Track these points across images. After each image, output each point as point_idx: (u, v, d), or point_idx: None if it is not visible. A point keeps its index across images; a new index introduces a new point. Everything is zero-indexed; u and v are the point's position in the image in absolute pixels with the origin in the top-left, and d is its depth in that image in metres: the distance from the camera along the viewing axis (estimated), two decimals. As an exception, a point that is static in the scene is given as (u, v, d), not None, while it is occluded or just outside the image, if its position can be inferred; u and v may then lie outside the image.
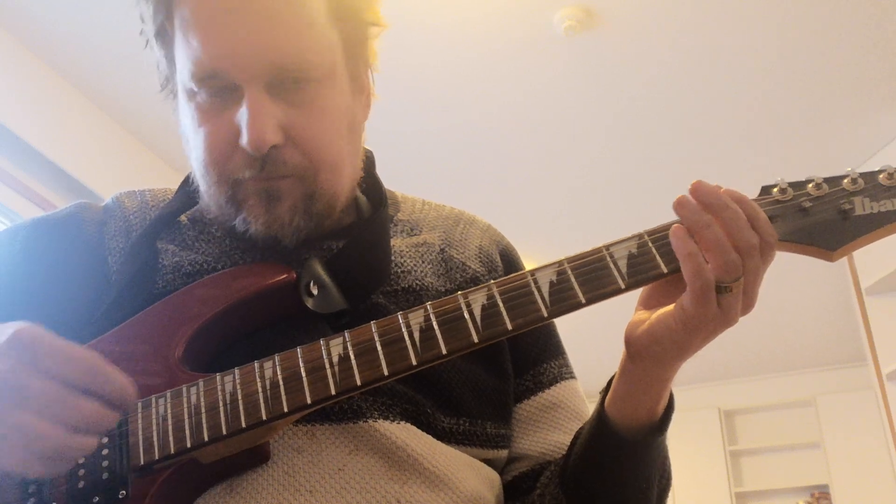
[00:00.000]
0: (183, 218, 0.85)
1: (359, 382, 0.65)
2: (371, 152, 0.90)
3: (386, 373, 0.65)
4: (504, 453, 0.83)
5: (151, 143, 3.51)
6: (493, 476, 0.81)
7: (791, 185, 0.69)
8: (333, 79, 0.78)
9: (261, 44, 0.73)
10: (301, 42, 0.75)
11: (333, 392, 0.64)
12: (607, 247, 0.68)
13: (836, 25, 2.83)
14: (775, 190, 0.70)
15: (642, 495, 0.77)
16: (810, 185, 0.69)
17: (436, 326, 0.66)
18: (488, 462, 0.81)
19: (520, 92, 3.19)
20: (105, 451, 0.64)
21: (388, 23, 0.83)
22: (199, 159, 0.78)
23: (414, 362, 0.65)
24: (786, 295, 4.72)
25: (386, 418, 0.73)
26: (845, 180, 0.68)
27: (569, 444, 0.82)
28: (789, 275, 4.52)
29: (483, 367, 0.81)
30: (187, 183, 0.87)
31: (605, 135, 3.47)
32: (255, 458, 0.68)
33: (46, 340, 0.59)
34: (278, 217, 0.76)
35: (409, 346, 0.65)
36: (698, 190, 0.65)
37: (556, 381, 0.88)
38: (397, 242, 0.86)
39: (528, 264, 0.78)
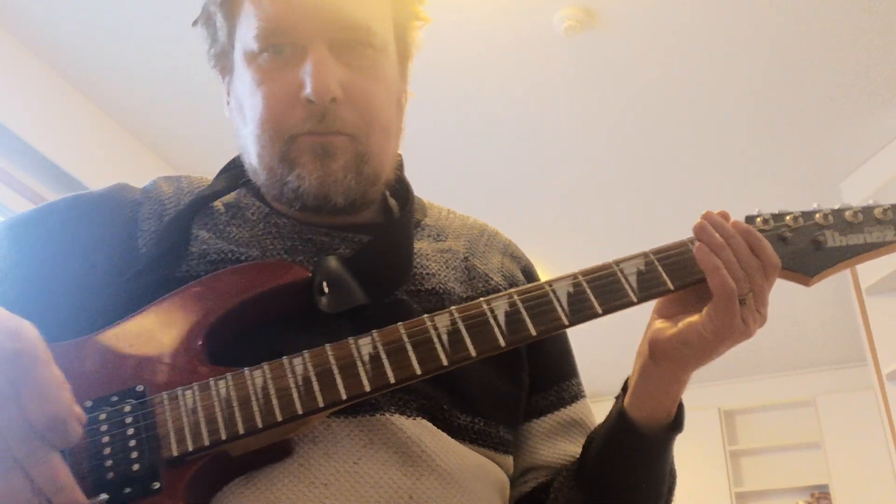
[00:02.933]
0: (218, 204, 0.86)
1: (392, 380, 0.67)
2: (400, 155, 0.92)
3: (419, 371, 0.67)
4: (510, 460, 0.84)
5: (151, 144, 3.51)
6: (503, 480, 0.82)
7: (773, 216, 0.79)
8: (387, 52, 0.84)
9: (330, 2, 0.78)
10: (366, 8, 0.81)
11: (368, 388, 0.66)
12: (617, 263, 0.74)
13: (836, 26, 2.83)
14: (759, 220, 0.79)
15: (656, 491, 0.82)
16: (788, 218, 0.79)
17: (463, 329, 0.69)
18: (497, 467, 0.82)
19: (520, 92, 3.19)
20: (132, 443, 0.63)
21: (431, 18, 0.90)
22: (256, 119, 0.80)
23: (445, 363, 0.68)
24: (786, 295, 4.70)
25: (402, 413, 0.73)
26: (817, 215, 0.79)
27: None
28: (789, 275, 4.53)
29: (497, 373, 0.83)
30: (225, 170, 0.91)
31: (604, 135, 3.47)
32: (281, 451, 0.68)
33: (37, 370, 0.57)
34: (332, 173, 0.78)
35: (439, 347, 0.68)
36: (710, 218, 0.75)
37: (577, 399, 0.92)
38: (423, 246, 0.87)
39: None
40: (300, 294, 0.75)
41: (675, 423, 0.79)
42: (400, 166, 0.91)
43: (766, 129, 3.41)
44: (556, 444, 0.88)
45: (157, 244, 0.79)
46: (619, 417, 0.79)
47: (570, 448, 0.88)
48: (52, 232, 0.81)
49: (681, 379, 0.77)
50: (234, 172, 0.90)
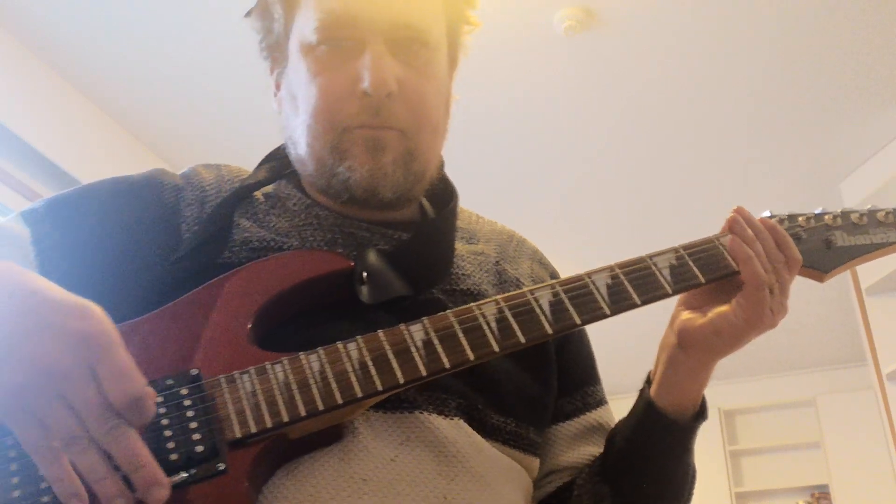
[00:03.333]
0: (258, 194, 0.87)
1: (448, 365, 0.68)
2: (441, 156, 0.94)
3: (472, 357, 0.69)
4: (536, 462, 0.86)
5: (151, 143, 3.51)
6: (529, 483, 0.84)
7: (787, 217, 0.85)
8: (440, 53, 0.87)
9: (388, 1, 0.81)
10: (423, 9, 0.84)
11: (424, 373, 0.67)
12: (650, 257, 0.78)
13: (837, 26, 2.83)
14: (774, 220, 0.85)
15: (681, 481, 0.85)
16: (801, 219, 0.86)
17: (510, 317, 0.71)
18: (526, 468, 0.83)
19: (520, 92, 3.19)
20: (193, 425, 0.63)
21: (480, 23, 0.93)
22: (310, 109, 0.81)
23: (497, 349, 0.69)
24: (786, 295, 4.72)
25: (440, 413, 0.75)
26: (826, 217, 0.86)
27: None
28: (789, 275, 4.53)
29: (529, 376, 0.84)
30: (266, 161, 0.92)
31: (604, 135, 3.47)
32: (334, 435, 0.69)
33: (112, 350, 0.57)
34: (382, 167, 0.80)
35: (489, 334, 0.70)
36: (742, 213, 0.81)
37: (601, 405, 0.94)
38: (458, 247, 0.89)
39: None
40: (341, 284, 0.76)
41: (701, 411, 0.83)
42: (441, 166, 0.93)
43: (766, 129, 3.41)
44: (580, 447, 0.90)
45: (202, 231, 0.80)
46: (646, 407, 0.82)
47: (593, 450, 0.90)
48: (94, 212, 0.82)
49: (709, 367, 0.80)
50: (275, 163, 0.91)
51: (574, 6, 2.74)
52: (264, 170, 0.91)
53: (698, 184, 3.79)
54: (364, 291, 0.76)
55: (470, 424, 0.76)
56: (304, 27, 0.82)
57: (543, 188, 3.82)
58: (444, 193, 0.93)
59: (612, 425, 0.92)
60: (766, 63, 3.02)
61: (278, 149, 0.92)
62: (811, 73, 3.07)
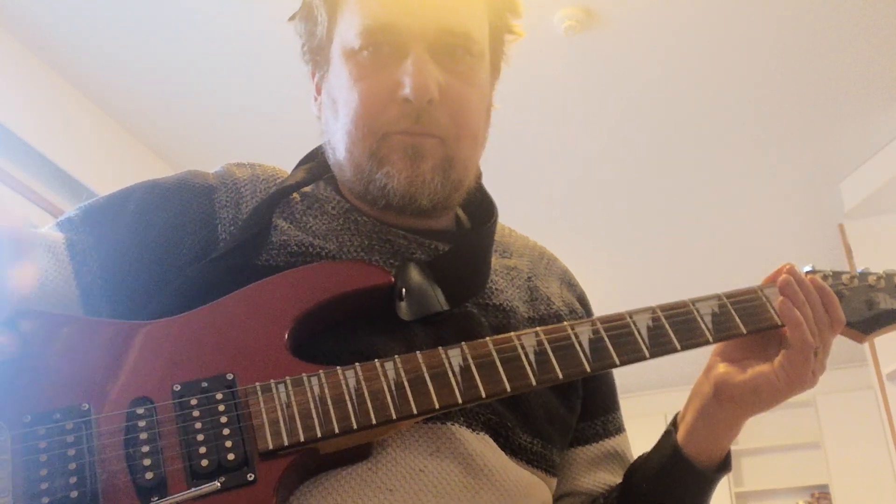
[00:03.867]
0: (295, 195, 0.87)
1: (484, 395, 0.68)
2: (479, 166, 0.94)
3: (509, 389, 0.68)
4: (555, 482, 0.86)
5: (151, 143, 3.51)
6: (549, 502, 0.83)
7: (832, 273, 0.85)
8: (484, 61, 0.86)
9: (433, 5, 0.80)
10: (467, 15, 0.82)
11: (460, 401, 0.67)
12: (693, 302, 0.78)
13: (837, 26, 2.83)
14: (818, 276, 0.85)
15: None
16: (845, 277, 0.85)
17: (549, 351, 0.71)
18: (548, 489, 0.83)
19: (519, 92, 3.18)
20: (226, 432, 0.63)
21: (523, 33, 0.93)
22: (350, 114, 0.81)
23: (534, 382, 0.69)
24: (786, 295, 4.71)
25: (468, 426, 0.74)
26: (870, 278, 0.86)
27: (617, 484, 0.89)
28: (789, 275, 4.53)
29: (557, 398, 0.84)
30: (304, 162, 0.92)
31: (604, 135, 3.47)
32: (364, 453, 0.69)
33: None
34: (421, 174, 0.79)
35: (527, 366, 0.70)
36: (794, 275, 0.80)
37: (620, 432, 0.94)
38: (493, 260, 0.89)
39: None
40: (380, 297, 0.76)
41: (725, 463, 0.82)
42: (479, 177, 0.93)
43: (766, 129, 3.41)
44: (597, 473, 0.90)
45: (240, 232, 0.80)
46: (673, 453, 0.81)
47: (609, 478, 0.90)
48: (128, 217, 0.82)
49: (741, 422, 0.80)
50: (313, 165, 0.91)
51: (574, 6, 2.74)
52: (303, 171, 0.90)
53: (698, 184, 3.79)
54: (403, 308, 0.76)
55: (497, 441, 0.76)
56: (348, 32, 0.82)
57: (543, 188, 3.82)
58: (481, 205, 0.93)
59: (629, 453, 0.93)
60: (766, 63, 3.02)
61: (317, 150, 0.91)
62: (811, 74, 3.07)
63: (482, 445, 0.74)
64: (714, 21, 2.82)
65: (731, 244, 4.20)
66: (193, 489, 0.59)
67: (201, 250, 0.79)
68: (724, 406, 0.79)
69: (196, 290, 0.74)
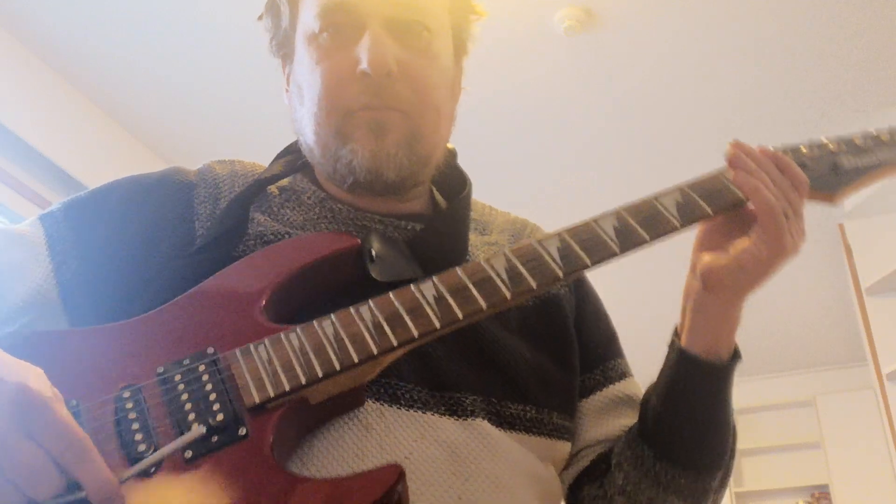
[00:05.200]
0: (272, 188, 0.88)
1: (461, 316, 0.68)
2: (453, 147, 0.94)
3: (484, 306, 0.68)
4: (567, 447, 0.85)
5: (151, 143, 3.51)
6: (550, 490, 0.83)
7: (789, 149, 0.84)
8: (442, 36, 0.87)
9: None
10: None
11: (438, 326, 0.67)
12: (656, 198, 0.79)
13: (837, 26, 2.83)
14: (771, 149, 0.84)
15: (724, 431, 0.82)
16: (803, 148, 0.85)
17: (520, 266, 0.71)
18: (551, 457, 0.83)
19: (520, 92, 3.19)
20: (212, 397, 0.63)
21: (485, 12, 0.94)
22: (314, 96, 0.82)
23: (508, 296, 0.69)
24: (786, 295, 4.72)
25: (453, 414, 0.74)
26: (830, 145, 0.85)
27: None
28: (790, 275, 4.52)
29: (551, 360, 0.84)
30: (281, 156, 0.93)
31: (604, 135, 3.47)
32: (354, 400, 0.70)
33: (48, 408, 0.56)
34: (384, 148, 0.80)
35: (500, 284, 0.70)
36: (740, 146, 0.80)
37: (625, 377, 0.93)
38: (471, 238, 0.89)
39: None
40: (351, 263, 0.77)
41: (735, 354, 0.81)
42: (453, 156, 0.94)
43: (765, 129, 3.41)
44: (608, 420, 0.89)
45: (218, 224, 0.81)
46: (679, 357, 0.80)
47: (624, 422, 0.89)
48: (109, 212, 0.83)
49: (737, 305, 0.79)
50: (291, 158, 0.92)
51: (574, 6, 2.74)
52: (280, 164, 0.91)
53: (698, 184, 3.79)
54: (375, 270, 0.76)
55: (488, 419, 0.76)
56: (307, 16, 0.84)
57: (543, 188, 3.81)
58: (457, 185, 0.94)
59: (639, 396, 0.90)
60: (765, 63, 3.02)
61: (295, 143, 0.92)
62: (811, 73, 3.07)
63: (467, 433, 0.74)
64: (714, 21, 2.82)
65: (731, 244, 4.20)
66: (180, 439, 0.60)
67: (179, 246, 0.80)
68: (717, 293, 0.78)
69: (178, 286, 0.74)
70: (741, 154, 0.79)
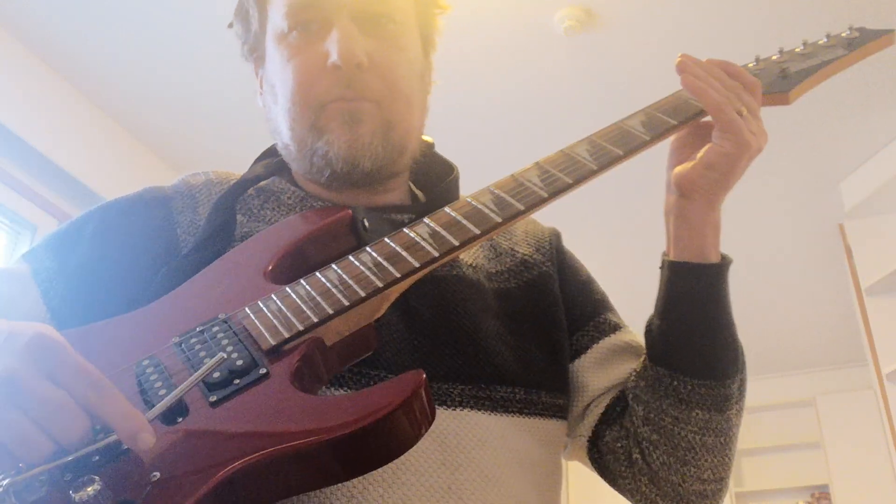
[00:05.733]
0: (251, 191, 0.89)
1: (457, 243, 0.70)
2: (431, 140, 0.96)
3: (478, 231, 0.71)
4: (563, 425, 0.86)
5: (151, 143, 3.51)
6: (545, 476, 0.83)
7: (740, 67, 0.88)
8: (408, 28, 0.88)
9: None
10: None
11: (437, 254, 0.70)
12: (621, 121, 0.83)
13: (836, 26, 2.83)
14: None
15: (732, 337, 0.83)
16: (749, 64, 0.93)
17: (506, 196, 0.74)
18: (547, 437, 0.83)
19: (519, 92, 3.19)
20: (229, 348, 0.65)
21: (448, 6, 0.96)
22: (287, 93, 0.84)
23: (500, 220, 0.72)
24: (786, 295, 4.72)
25: (443, 404, 0.75)
26: (772, 56, 0.94)
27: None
28: (789, 275, 4.53)
29: (535, 346, 0.85)
30: (261, 158, 0.95)
31: (605, 135, 3.47)
32: (366, 345, 0.72)
33: (64, 350, 0.57)
34: (359, 137, 0.81)
35: (490, 213, 0.73)
36: (686, 57, 0.83)
37: (619, 328, 0.94)
38: None
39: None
40: (347, 234, 0.79)
41: (724, 258, 0.84)
42: (430, 148, 0.95)
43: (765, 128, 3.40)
44: (611, 367, 0.90)
45: (207, 224, 0.82)
46: (671, 270, 0.83)
47: (627, 366, 0.90)
48: (88, 238, 0.84)
49: (715, 206, 0.82)
50: (270, 160, 0.93)
51: (574, 6, 2.74)
52: (261, 166, 0.92)
53: (698, 184, 3.79)
54: (369, 239, 0.77)
55: (480, 407, 0.76)
56: (276, 17, 0.85)
57: (543, 188, 3.81)
58: (439, 171, 0.95)
59: (637, 342, 0.92)
60: (766, 63, 3.02)
61: (273, 146, 0.94)
62: (811, 73, 3.07)
63: (457, 423, 0.75)
64: (714, 21, 2.82)
65: (730, 244, 4.19)
66: (203, 367, 0.61)
67: (164, 255, 0.81)
68: (693, 197, 0.82)
69: (171, 288, 0.76)
70: (688, 61, 0.83)
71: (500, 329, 0.83)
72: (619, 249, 4.34)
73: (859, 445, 5.33)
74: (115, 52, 2.96)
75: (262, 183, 0.90)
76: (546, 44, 2.91)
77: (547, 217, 1.04)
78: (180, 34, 2.86)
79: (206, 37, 2.86)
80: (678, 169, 0.84)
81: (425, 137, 0.94)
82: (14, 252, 3.02)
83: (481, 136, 3.40)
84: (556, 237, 1.00)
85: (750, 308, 4.70)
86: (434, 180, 0.95)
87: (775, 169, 3.67)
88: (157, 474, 0.56)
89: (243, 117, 3.27)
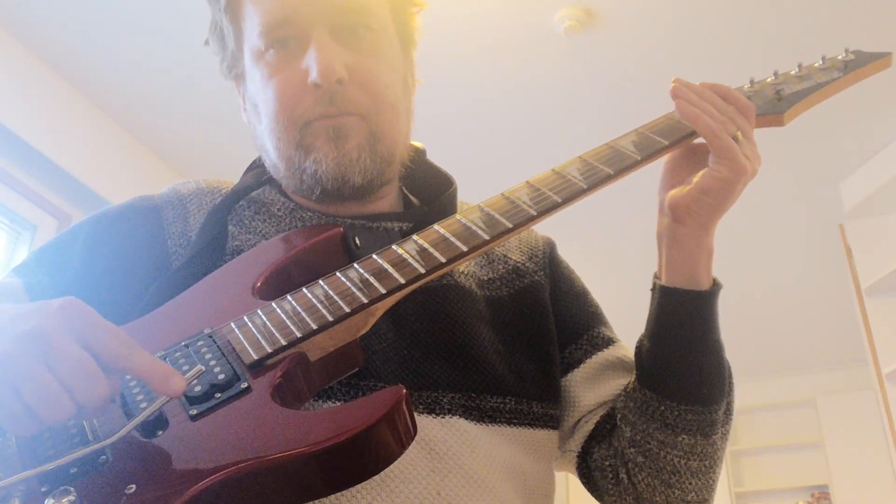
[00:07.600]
0: (242, 202, 0.89)
1: (444, 260, 0.70)
2: (422, 145, 0.95)
3: (465, 249, 0.71)
4: (554, 434, 0.86)
5: (151, 144, 3.51)
6: (534, 484, 0.83)
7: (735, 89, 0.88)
8: (387, 34, 0.87)
9: None
10: None
11: (423, 271, 0.69)
12: (613, 141, 0.83)
13: (837, 26, 2.83)
14: None
15: (720, 362, 0.82)
16: (745, 87, 0.92)
17: (496, 215, 0.74)
18: (537, 447, 0.83)
19: (519, 92, 3.19)
20: (213, 362, 0.65)
21: (426, 4, 0.95)
22: (270, 112, 0.83)
23: (488, 237, 0.72)
24: (786, 295, 4.72)
25: (431, 412, 0.75)
26: (767, 79, 0.93)
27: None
28: (789, 275, 4.53)
29: (526, 356, 0.85)
30: (250, 169, 0.94)
31: (604, 135, 3.46)
32: (353, 360, 0.72)
33: (94, 313, 0.59)
34: (347, 153, 0.81)
35: (478, 230, 0.73)
36: (679, 81, 0.84)
37: (613, 343, 0.93)
38: None
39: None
40: (337, 251, 0.78)
41: (715, 283, 0.83)
42: (421, 154, 0.94)
43: (764, 129, 3.40)
44: (603, 383, 0.89)
45: (199, 237, 0.82)
46: (662, 294, 0.82)
47: (619, 382, 0.89)
48: (80, 250, 0.84)
49: (709, 231, 0.81)
50: (260, 170, 0.92)
51: (574, 6, 2.74)
52: (251, 176, 0.92)
53: (698, 184, 3.79)
54: (359, 252, 0.77)
55: (468, 416, 0.76)
56: (251, 35, 0.84)
57: (543, 188, 3.81)
58: (433, 181, 0.95)
59: (629, 358, 0.91)
60: (765, 63, 3.02)
61: (260, 157, 0.93)
62: (811, 73, 3.07)
63: (445, 430, 0.74)
64: (714, 21, 2.82)
65: (730, 244, 4.20)
66: (188, 374, 0.61)
67: (155, 268, 0.81)
68: (686, 223, 0.80)
69: (163, 301, 0.76)
70: (682, 87, 0.83)
71: (492, 338, 0.83)
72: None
73: (859, 445, 5.33)
74: (116, 52, 2.96)
75: (254, 193, 0.90)
76: (546, 44, 2.91)
77: (544, 225, 1.04)
78: (180, 35, 2.86)
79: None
80: (673, 193, 0.82)
81: (415, 143, 0.94)
82: (14, 252, 3.02)
83: (481, 136, 3.40)
84: (550, 246, 1.00)
85: (750, 308, 4.70)
86: (433, 193, 0.94)
87: (775, 169, 3.67)
88: (133, 486, 0.56)
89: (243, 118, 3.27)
